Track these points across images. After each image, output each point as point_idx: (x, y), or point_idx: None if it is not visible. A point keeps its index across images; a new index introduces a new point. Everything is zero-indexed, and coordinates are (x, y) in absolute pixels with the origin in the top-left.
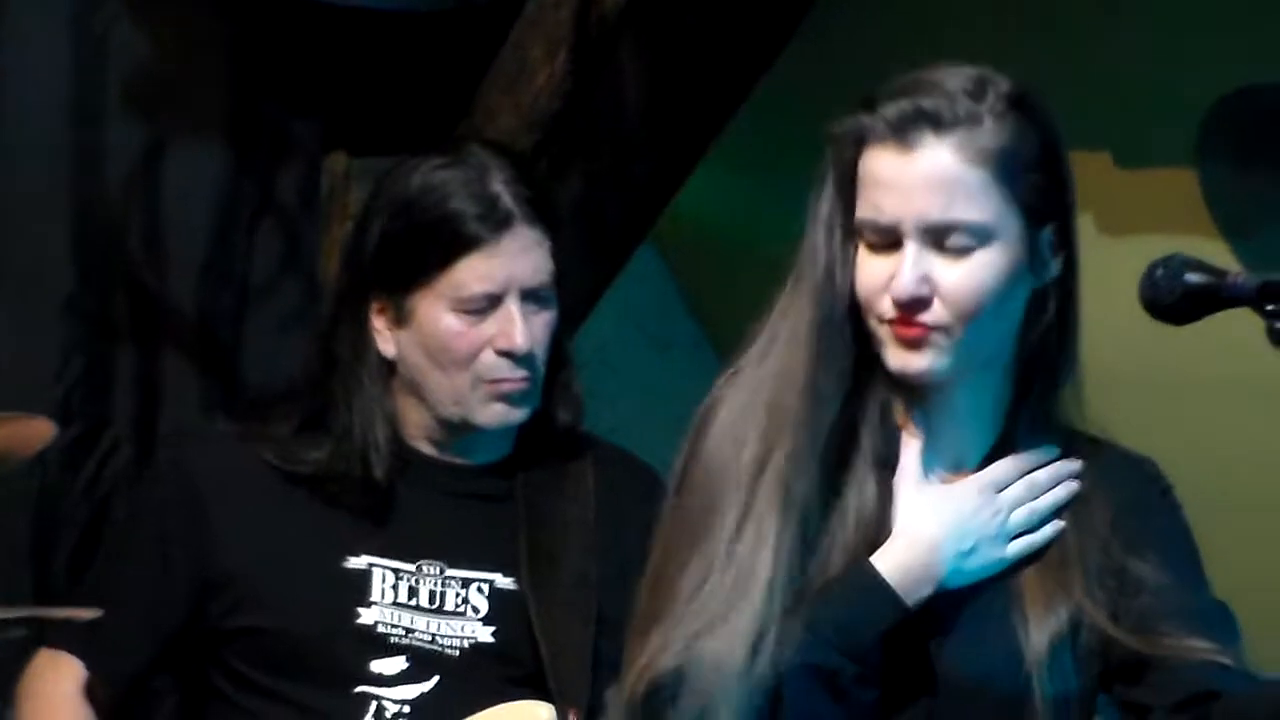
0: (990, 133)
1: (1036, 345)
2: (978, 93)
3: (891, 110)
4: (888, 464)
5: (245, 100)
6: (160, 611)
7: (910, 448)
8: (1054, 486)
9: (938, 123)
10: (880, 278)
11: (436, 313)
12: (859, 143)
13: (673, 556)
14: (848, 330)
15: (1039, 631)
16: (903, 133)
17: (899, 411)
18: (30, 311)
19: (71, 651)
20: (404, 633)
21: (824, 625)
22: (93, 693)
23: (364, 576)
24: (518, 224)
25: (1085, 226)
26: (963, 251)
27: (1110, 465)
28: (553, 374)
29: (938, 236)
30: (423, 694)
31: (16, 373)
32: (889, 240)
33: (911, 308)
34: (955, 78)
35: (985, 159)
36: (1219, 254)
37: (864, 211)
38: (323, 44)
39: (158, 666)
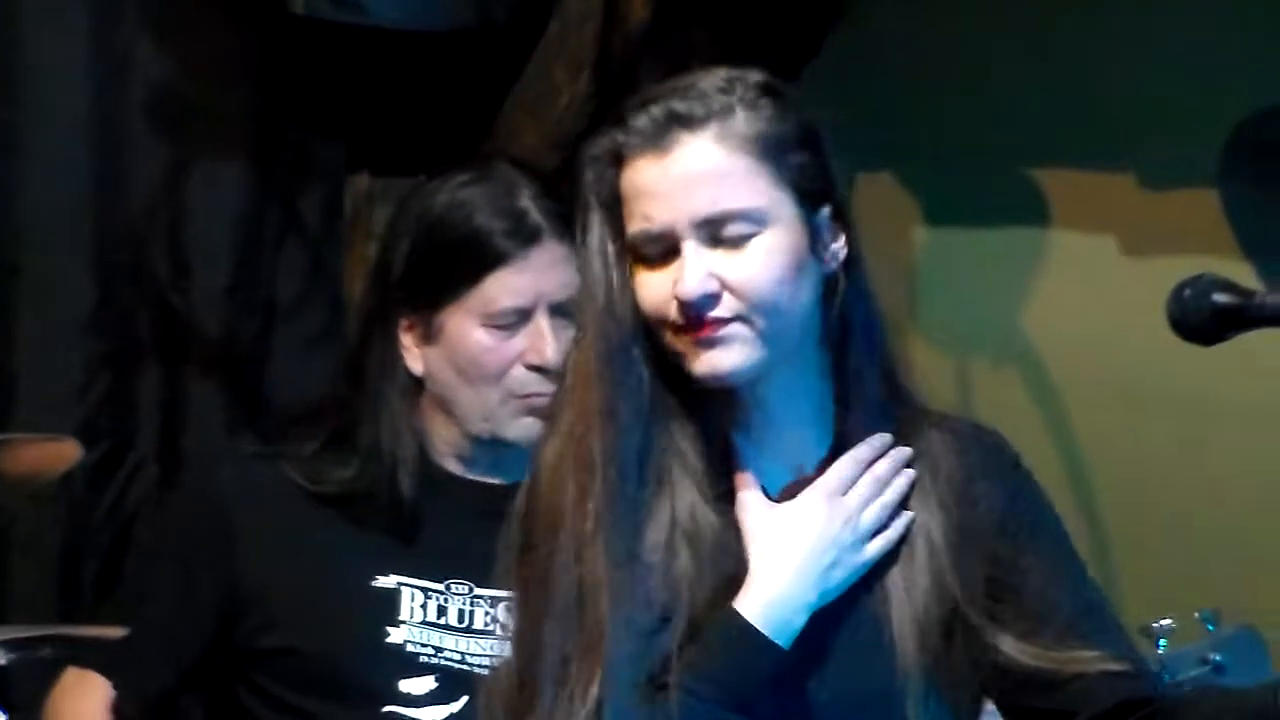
0: (745, 120)
1: (838, 331)
2: (727, 88)
3: (642, 120)
4: (724, 493)
5: (268, 120)
6: (187, 632)
7: (744, 470)
8: (895, 475)
9: (689, 121)
10: (663, 290)
11: (466, 329)
12: (616, 161)
13: (533, 627)
14: (637, 354)
15: (910, 636)
16: (658, 138)
17: (721, 435)
18: (55, 331)
19: (98, 670)
20: (433, 652)
21: (703, 684)
22: (119, 711)
23: (393, 596)
24: (546, 238)
25: (1109, 247)
26: (741, 241)
27: (955, 439)
28: None
29: (713, 230)
30: (452, 714)
31: (41, 392)
32: (665, 249)
33: (701, 306)
34: (704, 79)
35: (745, 145)
36: (1243, 274)
37: (634, 226)
38: (345, 64)
39: (185, 685)
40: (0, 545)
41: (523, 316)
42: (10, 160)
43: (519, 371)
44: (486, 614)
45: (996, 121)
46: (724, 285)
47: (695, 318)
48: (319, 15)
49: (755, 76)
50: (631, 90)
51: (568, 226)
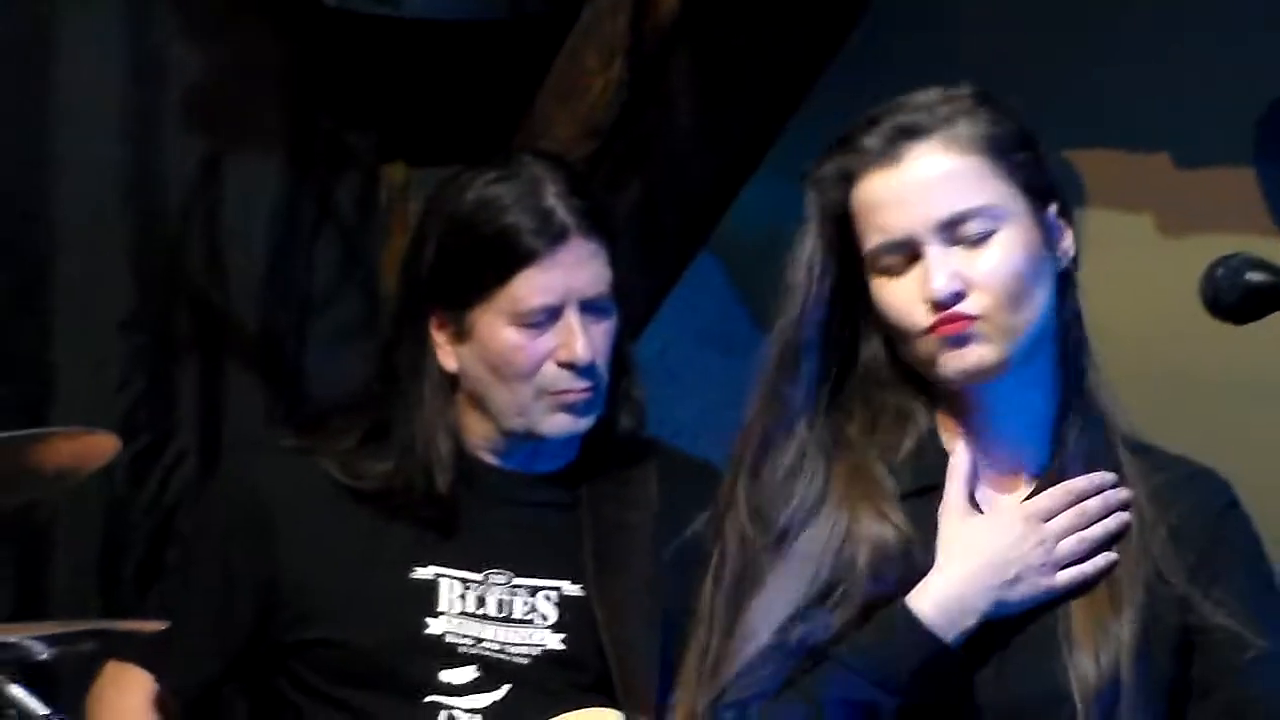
0: (967, 125)
1: (1071, 332)
2: (945, 100)
3: (871, 140)
4: (932, 488)
5: (302, 113)
6: (227, 624)
7: (956, 473)
8: (1106, 515)
9: (916, 132)
10: (910, 295)
11: (496, 328)
12: (846, 181)
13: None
14: (807, 369)
15: (1088, 662)
16: (887, 152)
17: (946, 435)
18: (93, 327)
19: (140, 664)
20: (473, 642)
21: (855, 657)
22: (161, 704)
23: (431, 587)
24: (573, 236)
25: (1145, 227)
26: (981, 239)
27: (1168, 480)
28: (616, 381)
29: (953, 230)
30: (494, 702)
31: (81, 388)
32: (906, 258)
33: (950, 303)
34: (919, 95)
35: (972, 147)
36: (1279, 253)
37: (873, 240)
38: (379, 55)
39: (226, 678)
40: (41, 540)
41: (553, 314)
42: (48, 160)
43: (551, 369)
44: (525, 603)
45: (1031, 103)
46: (968, 283)
47: (944, 315)
48: (352, 8)
49: (968, 88)
50: (663, 79)
51: (596, 221)
